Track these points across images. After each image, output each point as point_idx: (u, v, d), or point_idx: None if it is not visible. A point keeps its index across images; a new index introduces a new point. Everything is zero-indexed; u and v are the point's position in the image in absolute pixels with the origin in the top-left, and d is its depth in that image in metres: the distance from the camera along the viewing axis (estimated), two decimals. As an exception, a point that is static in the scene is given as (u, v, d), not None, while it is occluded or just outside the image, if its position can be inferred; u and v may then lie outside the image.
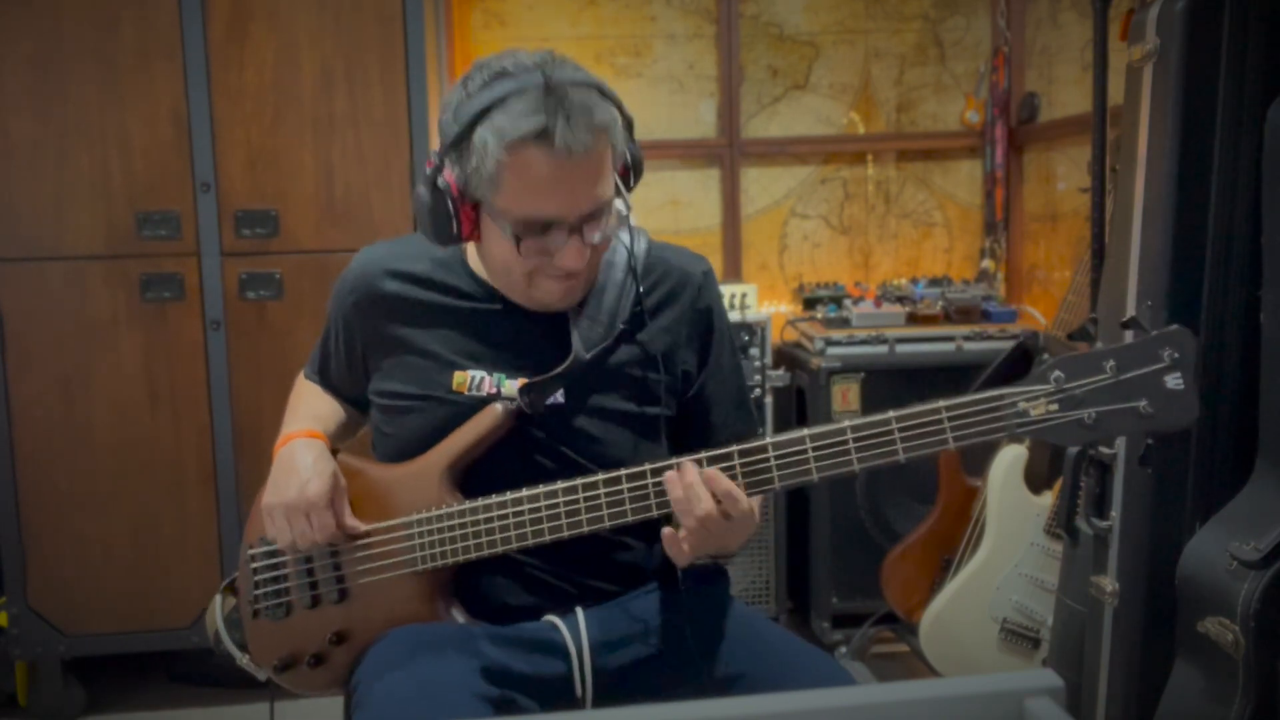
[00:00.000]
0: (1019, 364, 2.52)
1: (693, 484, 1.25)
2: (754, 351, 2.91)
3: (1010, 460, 2.38)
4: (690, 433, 1.51)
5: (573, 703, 1.39)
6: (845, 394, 2.84)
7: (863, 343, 2.90)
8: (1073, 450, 1.79)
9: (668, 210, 3.43)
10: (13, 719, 2.74)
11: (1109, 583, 1.75)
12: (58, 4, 2.54)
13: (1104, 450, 1.75)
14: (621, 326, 1.44)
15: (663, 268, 1.50)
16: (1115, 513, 1.74)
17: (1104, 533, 1.75)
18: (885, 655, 2.94)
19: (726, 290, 2.94)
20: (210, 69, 2.58)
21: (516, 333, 1.44)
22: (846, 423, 1.23)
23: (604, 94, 1.32)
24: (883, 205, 3.50)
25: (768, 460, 1.25)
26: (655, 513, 1.31)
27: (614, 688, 1.40)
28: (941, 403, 1.20)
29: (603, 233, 1.35)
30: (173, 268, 2.62)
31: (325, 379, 1.61)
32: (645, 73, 3.41)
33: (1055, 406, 1.17)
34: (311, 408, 1.58)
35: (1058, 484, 2.29)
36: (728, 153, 3.42)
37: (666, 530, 1.28)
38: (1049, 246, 3.27)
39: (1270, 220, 1.55)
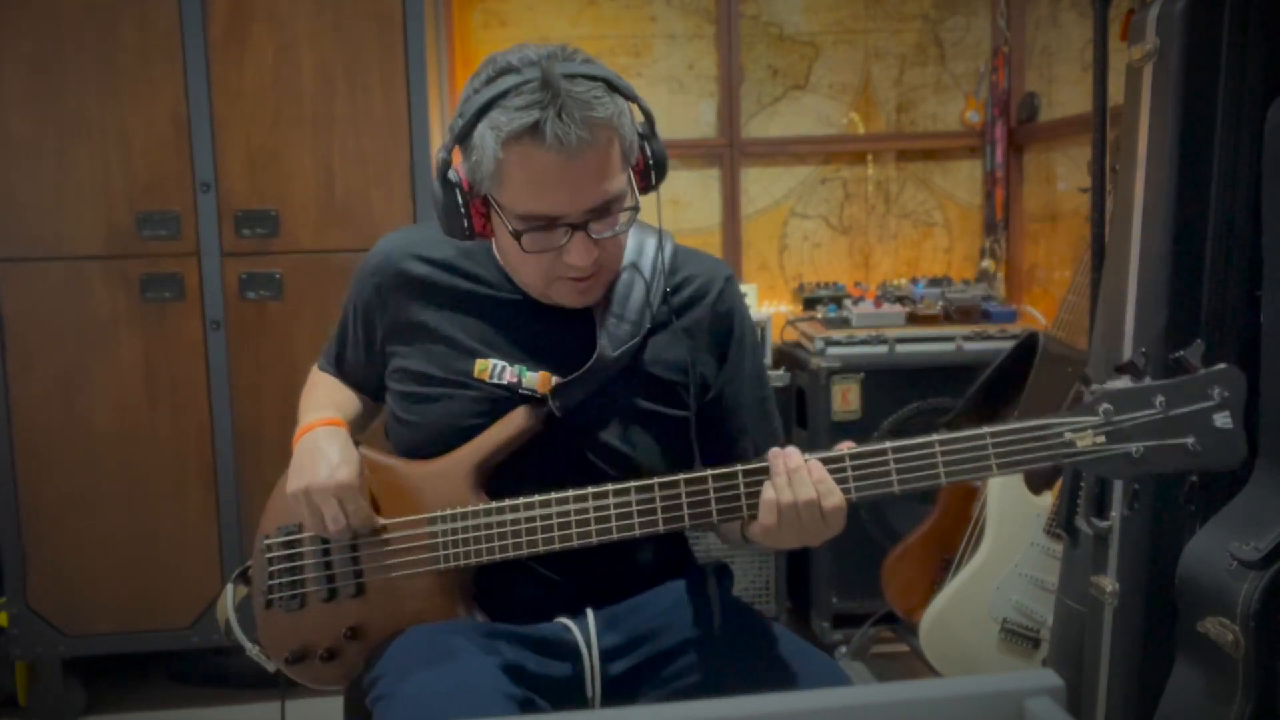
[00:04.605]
0: (1020, 363, 2.52)
1: (797, 468, 1.23)
2: (754, 351, 2.91)
3: (1010, 460, 2.37)
4: (711, 439, 1.48)
5: (583, 703, 1.38)
6: (845, 394, 2.84)
7: (863, 343, 2.89)
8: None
9: (668, 210, 3.43)
10: (13, 719, 2.74)
11: (1109, 583, 1.74)
12: (58, 4, 2.54)
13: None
14: (649, 325, 1.42)
15: (687, 271, 1.49)
16: (1115, 513, 1.74)
17: (1104, 533, 1.75)
18: (885, 655, 2.94)
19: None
20: (210, 69, 2.58)
21: (540, 326, 1.43)
22: (888, 444, 1.22)
23: (613, 87, 1.29)
24: (883, 205, 3.50)
25: (887, 461, 1.23)
26: (688, 523, 1.30)
27: (623, 689, 1.41)
28: (987, 429, 1.20)
29: (613, 229, 1.34)
30: (173, 268, 2.62)
31: (341, 369, 1.59)
32: (645, 73, 3.41)
33: (1103, 439, 1.17)
34: (329, 396, 1.56)
35: (1058, 484, 2.29)
36: (728, 153, 3.42)
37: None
38: (1049, 246, 3.27)
39: (1270, 220, 1.55)
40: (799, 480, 1.23)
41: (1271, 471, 1.55)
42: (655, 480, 1.30)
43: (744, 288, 2.97)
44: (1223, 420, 1.15)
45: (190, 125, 2.59)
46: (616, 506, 1.31)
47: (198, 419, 2.65)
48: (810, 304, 3.23)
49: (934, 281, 3.23)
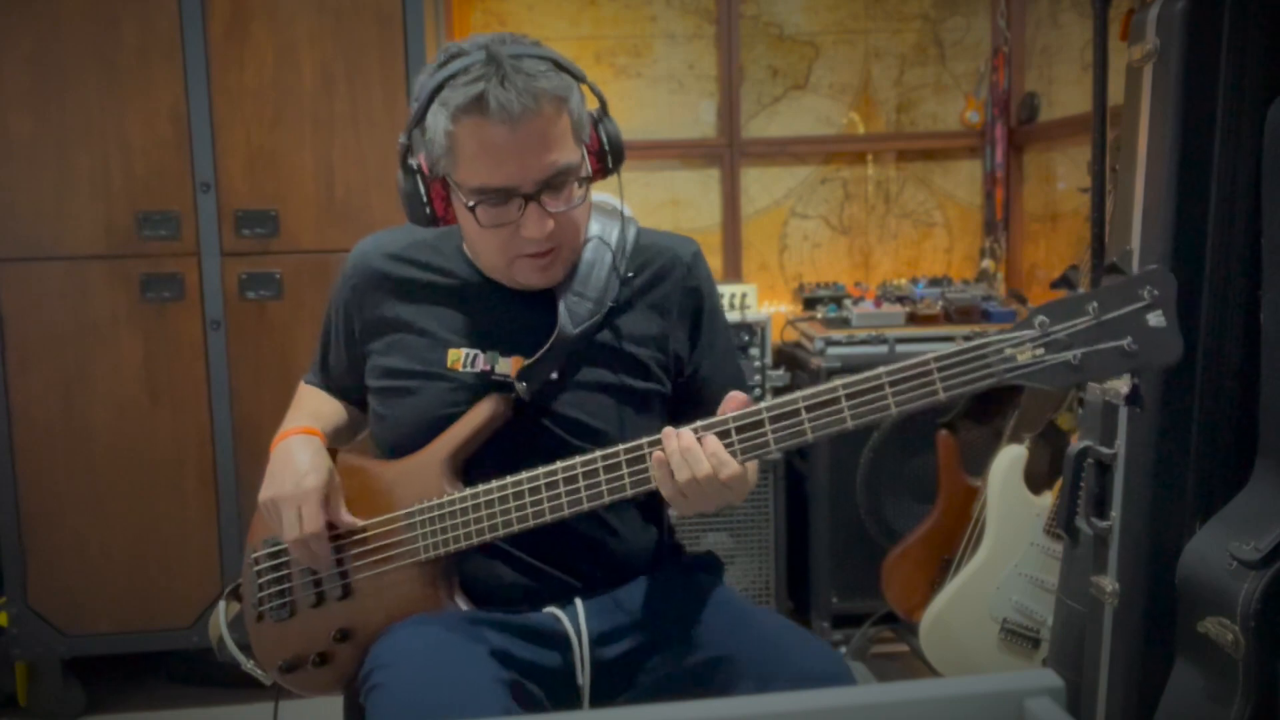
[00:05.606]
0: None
1: (689, 447, 1.26)
2: (754, 351, 2.91)
3: (1010, 460, 2.38)
4: (689, 415, 1.51)
5: (573, 691, 1.40)
6: (845, 394, 2.84)
7: (863, 343, 2.90)
8: (1073, 450, 1.79)
9: (668, 210, 3.43)
10: (13, 719, 2.74)
11: (1109, 583, 1.74)
12: (58, 4, 2.54)
13: (1104, 450, 1.75)
14: (610, 304, 1.45)
15: (652, 250, 1.52)
16: (1115, 513, 1.74)
17: (1104, 533, 1.75)
18: (885, 655, 2.94)
19: (726, 290, 2.94)
20: (210, 69, 2.58)
21: (509, 312, 1.46)
22: (839, 381, 1.24)
23: (560, 66, 1.33)
24: (883, 205, 3.50)
25: (763, 427, 1.26)
26: (654, 485, 1.31)
27: (613, 676, 1.42)
28: (930, 355, 1.22)
29: (567, 203, 1.36)
30: (173, 268, 2.62)
31: (326, 377, 1.62)
32: (645, 73, 3.41)
33: (1041, 350, 1.18)
34: (311, 407, 1.59)
35: (1058, 484, 2.29)
36: (728, 153, 3.42)
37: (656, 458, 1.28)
38: (1049, 246, 3.27)
39: (1270, 220, 1.55)
40: (693, 458, 1.25)
41: (1272, 471, 1.55)
42: (596, 454, 1.32)
43: (744, 288, 2.99)
44: (1156, 319, 1.16)
45: (190, 125, 2.59)
46: (585, 477, 1.32)
47: (198, 419, 2.65)
48: (810, 304, 3.23)
49: (934, 281, 3.23)
